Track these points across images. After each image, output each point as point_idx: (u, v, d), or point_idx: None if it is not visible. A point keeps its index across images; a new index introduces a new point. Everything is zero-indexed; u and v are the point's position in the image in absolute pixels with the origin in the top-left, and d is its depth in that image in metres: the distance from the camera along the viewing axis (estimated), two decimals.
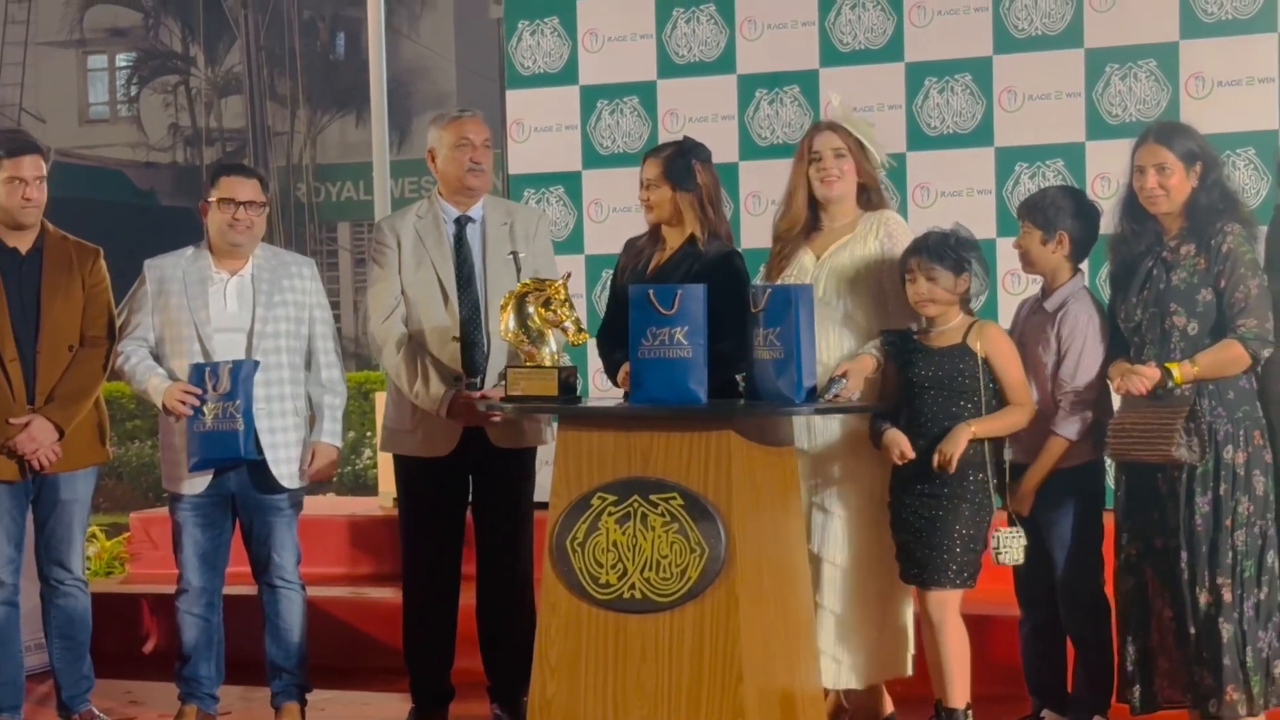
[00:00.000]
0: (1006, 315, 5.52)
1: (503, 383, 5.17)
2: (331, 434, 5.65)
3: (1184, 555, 4.77)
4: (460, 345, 5.50)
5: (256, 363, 5.43)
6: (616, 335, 5.20)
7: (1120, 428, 4.84)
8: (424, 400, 5.43)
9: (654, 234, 5.41)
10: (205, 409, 5.37)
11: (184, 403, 5.38)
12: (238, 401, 5.35)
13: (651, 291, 4.86)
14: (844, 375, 4.92)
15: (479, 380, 5.49)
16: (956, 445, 4.87)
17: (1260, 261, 4.81)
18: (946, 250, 4.94)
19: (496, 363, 5.47)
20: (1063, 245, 5.07)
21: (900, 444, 4.92)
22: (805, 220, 5.26)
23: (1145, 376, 4.77)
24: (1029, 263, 5.15)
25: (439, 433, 5.48)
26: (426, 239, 5.57)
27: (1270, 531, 4.78)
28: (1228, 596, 4.74)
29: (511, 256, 5.51)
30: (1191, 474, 4.77)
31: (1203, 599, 4.75)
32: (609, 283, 5.73)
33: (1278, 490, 4.81)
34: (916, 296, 4.98)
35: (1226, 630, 4.73)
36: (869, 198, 5.28)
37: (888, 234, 5.18)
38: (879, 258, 5.16)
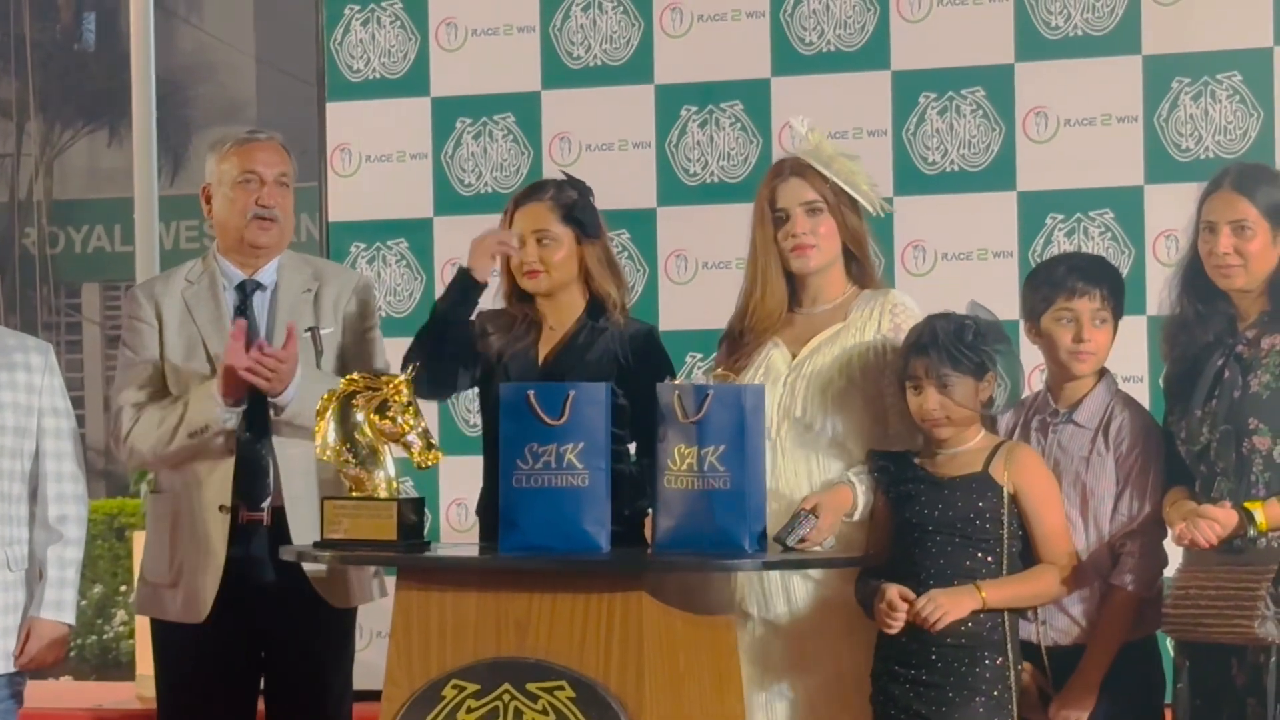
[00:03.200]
0: None
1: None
2: (56, 605, 5.55)
3: None
4: (237, 464, 5.50)
5: None
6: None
7: (1184, 595, 4.84)
8: (199, 405, 5.44)
9: (513, 312, 5.39)
10: None
11: None
12: None
13: (532, 393, 4.88)
14: (813, 511, 4.94)
15: (263, 512, 5.51)
16: (949, 609, 4.87)
17: None
18: (963, 349, 4.94)
19: (294, 489, 5.50)
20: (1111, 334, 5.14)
21: (906, 598, 4.91)
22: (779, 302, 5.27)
23: (1218, 521, 4.76)
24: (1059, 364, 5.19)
25: (209, 588, 5.48)
26: (198, 312, 5.60)
27: None
28: None
29: (310, 334, 5.51)
30: None
31: None
32: None
33: None
34: (924, 414, 4.98)
35: None
36: (858, 268, 5.30)
37: (894, 326, 5.18)
38: (881, 360, 5.16)
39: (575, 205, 5.33)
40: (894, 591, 4.90)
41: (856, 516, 5.06)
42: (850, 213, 5.22)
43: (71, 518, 5.62)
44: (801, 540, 4.90)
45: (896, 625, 4.89)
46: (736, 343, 5.28)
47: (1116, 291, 5.15)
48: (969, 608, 4.89)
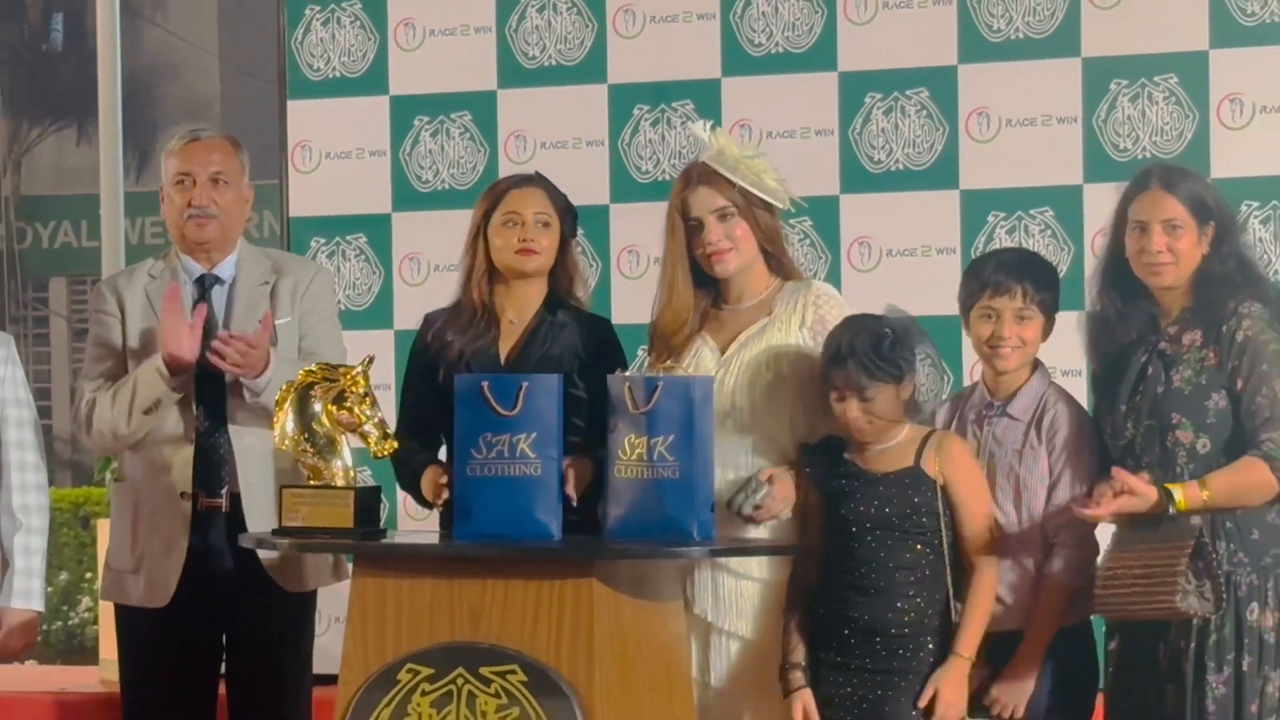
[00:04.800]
0: None
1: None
2: (25, 593, 5.57)
3: None
4: (195, 453, 5.50)
5: None
6: (423, 443, 5.29)
7: (1112, 576, 4.82)
8: (146, 380, 5.42)
9: (469, 304, 5.37)
10: None
11: None
12: None
13: (486, 384, 4.88)
14: (768, 480, 4.95)
15: (222, 498, 5.50)
16: (959, 698, 4.92)
17: None
18: (878, 361, 4.90)
19: (250, 475, 5.50)
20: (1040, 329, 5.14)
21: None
22: (697, 309, 5.25)
23: (1132, 487, 4.75)
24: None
25: (171, 573, 5.47)
26: (159, 307, 5.57)
27: None
28: None
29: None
30: (1203, 643, 4.79)
31: None
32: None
33: None
34: (848, 423, 4.96)
35: None
36: (776, 261, 5.29)
37: (819, 318, 5.17)
38: (809, 351, 5.15)
39: (565, 200, 5.35)
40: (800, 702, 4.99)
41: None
42: (762, 212, 5.20)
43: (34, 506, 5.61)
44: (757, 507, 4.90)
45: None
46: (662, 345, 5.28)
47: (1044, 287, 5.10)
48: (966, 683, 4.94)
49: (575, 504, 4.99)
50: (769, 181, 5.22)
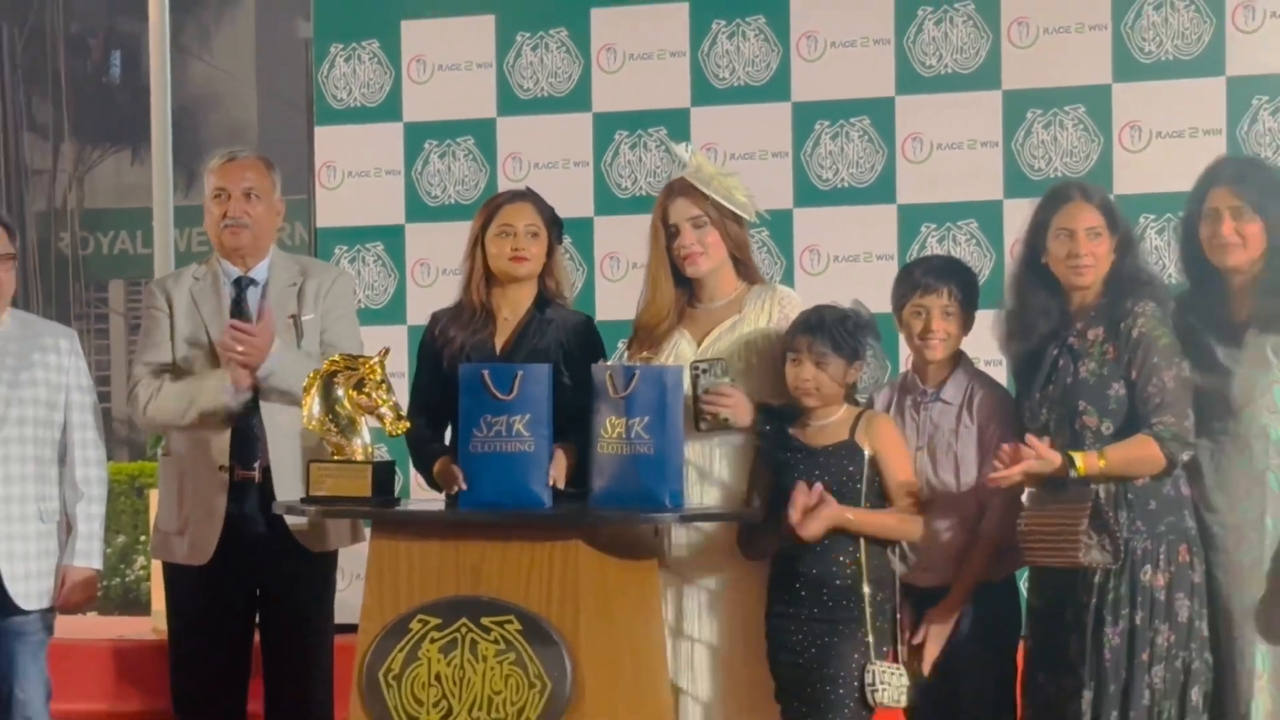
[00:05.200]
0: None
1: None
2: (86, 554, 5.56)
3: (1087, 696, 4.78)
4: (233, 431, 5.49)
5: None
6: (431, 422, 5.28)
7: (1028, 532, 4.83)
8: (210, 389, 5.44)
9: (469, 304, 5.36)
10: None
11: None
12: None
13: (487, 372, 4.88)
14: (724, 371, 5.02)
15: (255, 471, 5.49)
16: (822, 518, 4.88)
17: (1178, 346, 4.82)
18: (843, 334, 4.95)
19: (279, 451, 5.47)
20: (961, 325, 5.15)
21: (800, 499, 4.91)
22: (676, 306, 5.26)
23: (1044, 458, 4.75)
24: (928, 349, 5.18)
25: (211, 535, 5.47)
26: (202, 304, 5.58)
27: (1195, 665, 4.79)
28: None
29: (291, 320, 5.50)
30: (1102, 599, 4.79)
31: None
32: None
33: (1206, 615, 4.83)
34: (799, 382, 4.98)
35: None
36: (744, 268, 5.29)
37: (784, 315, 5.16)
38: (775, 343, 5.15)
39: (552, 213, 5.33)
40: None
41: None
42: (731, 222, 5.21)
43: (94, 479, 5.60)
44: (706, 391, 4.94)
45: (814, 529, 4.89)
46: (645, 336, 5.28)
47: (965, 289, 5.12)
48: (836, 519, 4.88)
49: (561, 488, 4.99)
50: (739, 196, 5.22)
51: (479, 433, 4.88)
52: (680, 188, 5.22)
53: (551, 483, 4.92)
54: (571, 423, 4.98)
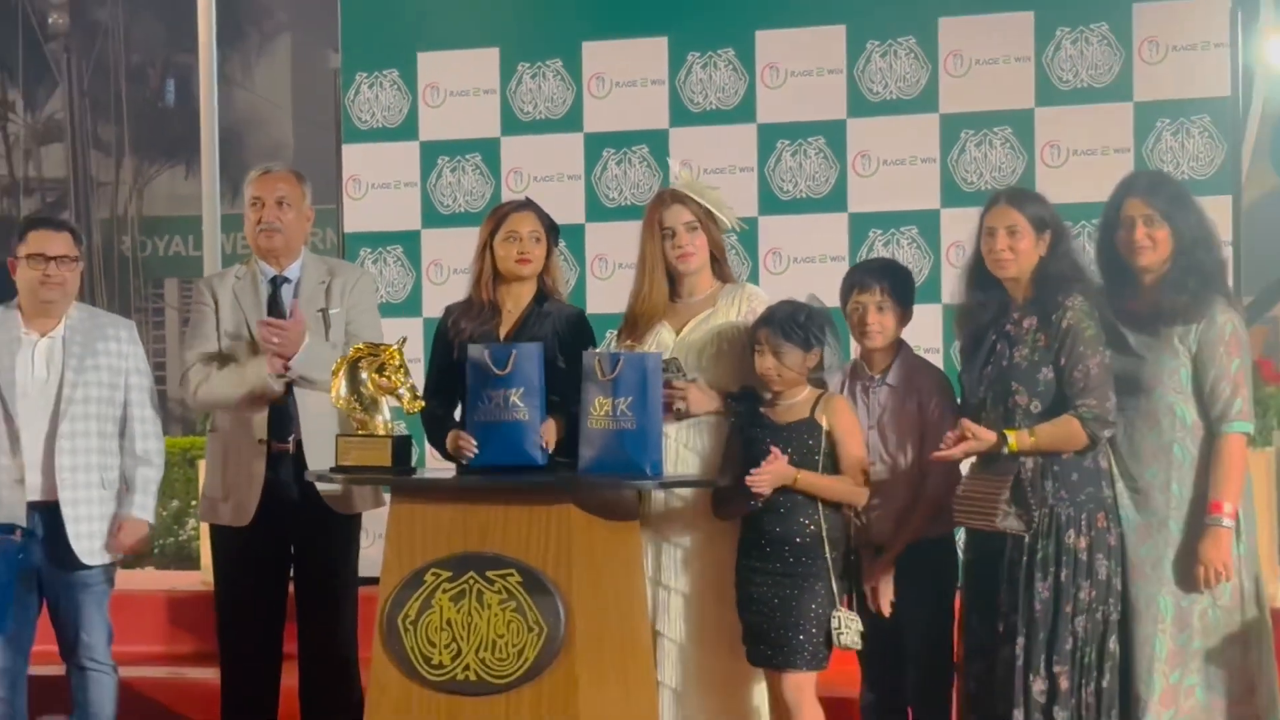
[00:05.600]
0: None
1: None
2: (142, 507, 5.57)
3: (1020, 641, 4.78)
4: (270, 410, 5.48)
5: None
6: (444, 402, 5.28)
7: (961, 496, 4.88)
8: (253, 374, 5.42)
9: (478, 299, 5.35)
10: None
11: None
12: None
13: (487, 352, 4.89)
14: (691, 384, 5.04)
15: (289, 444, 5.47)
16: (767, 470, 4.87)
17: (1102, 336, 4.82)
18: (794, 327, 4.94)
19: (310, 426, 5.45)
20: (897, 318, 5.14)
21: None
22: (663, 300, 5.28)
23: (976, 435, 4.77)
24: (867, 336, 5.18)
25: (251, 499, 5.45)
26: (243, 300, 5.57)
27: (1113, 617, 4.80)
28: (1064, 684, 4.74)
29: (321, 314, 5.48)
30: (1031, 557, 4.79)
31: (1037, 687, 4.75)
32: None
33: (1121, 570, 4.84)
34: (763, 370, 4.99)
35: (1060, 717, 4.74)
36: (720, 268, 5.32)
37: (751, 310, 5.18)
38: (742, 331, 5.17)
39: (550, 220, 5.33)
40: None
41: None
42: (714, 228, 5.27)
43: (152, 449, 5.61)
44: (668, 384, 4.95)
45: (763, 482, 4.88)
46: (633, 325, 5.28)
47: (898, 286, 5.14)
48: (785, 476, 4.88)
49: (549, 452, 5.00)
50: (722, 207, 5.30)
51: (482, 405, 4.93)
52: (674, 196, 5.27)
53: (544, 445, 4.95)
54: (565, 400, 4.99)
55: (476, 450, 4.97)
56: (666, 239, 5.22)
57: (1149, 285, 4.90)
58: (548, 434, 5.00)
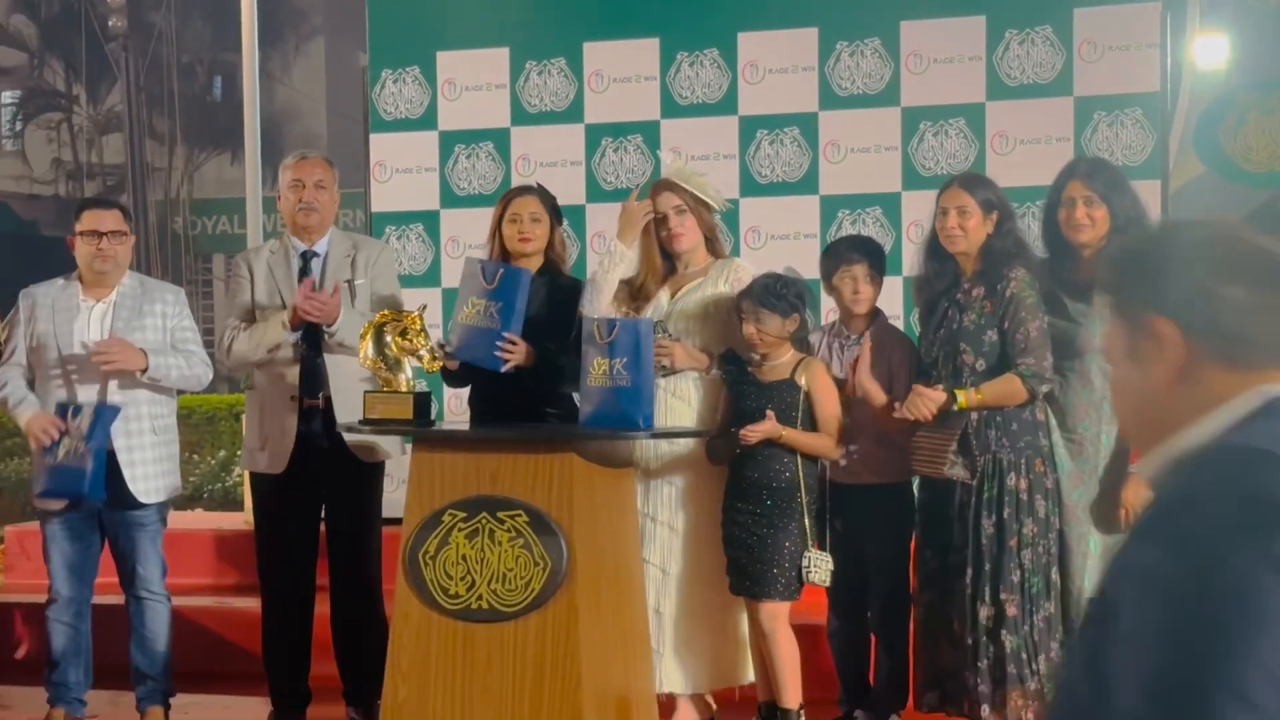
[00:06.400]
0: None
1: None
2: (154, 354, 5.40)
3: (969, 572, 4.80)
4: (301, 369, 5.46)
5: (117, 409, 5.32)
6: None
7: (915, 446, 4.90)
8: (274, 330, 5.39)
9: None
10: (61, 444, 5.27)
11: (44, 433, 5.29)
12: (91, 444, 5.23)
13: (480, 265, 5.15)
14: (674, 341, 5.09)
15: (320, 400, 5.46)
16: (759, 429, 4.90)
17: (1042, 304, 4.83)
18: (771, 297, 4.96)
19: (338, 384, 5.44)
20: (878, 287, 5.16)
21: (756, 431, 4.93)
22: (661, 272, 5.30)
23: (930, 399, 4.79)
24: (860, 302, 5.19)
25: (285, 449, 5.44)
26: (276, 272, 5.55)
27: (1054, 550, 4.82)
28: (1011, 610, 4.76)
29: (347, 285, 5.48)
30: (978, 498, 4.80)
31: (983, 613, 4.77)
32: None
33: (1059, 511, 4.86)
34: (747, 335, 5.02)
35: (1010, 642, 4.75)
36: (713, 246, 5.34)
37: (737, 280, 5.21)
38: (728, 299, 5.20)
39: (551, 201, 5.34)
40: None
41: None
42: (704, 210, 5.29)
43: (197, 361, 5.56)
44: (657, 344, 4.95)
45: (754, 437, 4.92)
46: (635, 292, 5.30)
47: (879, 262, 5.20)
48: (770, 432, 4.91)
49: (513, 371, 5.09)
50: (710, 191, 5.33)
51: (465, 308, 5.05)
52: (664, 185, 5.30)
53: (509, 363, 5.03)
54: (558, 348, 5.02)
55: (450, 350, 5.10)
56: (659, 223, 5.23)
57: (1087, 259, 4.91)
58: (519, 354, 5.05)
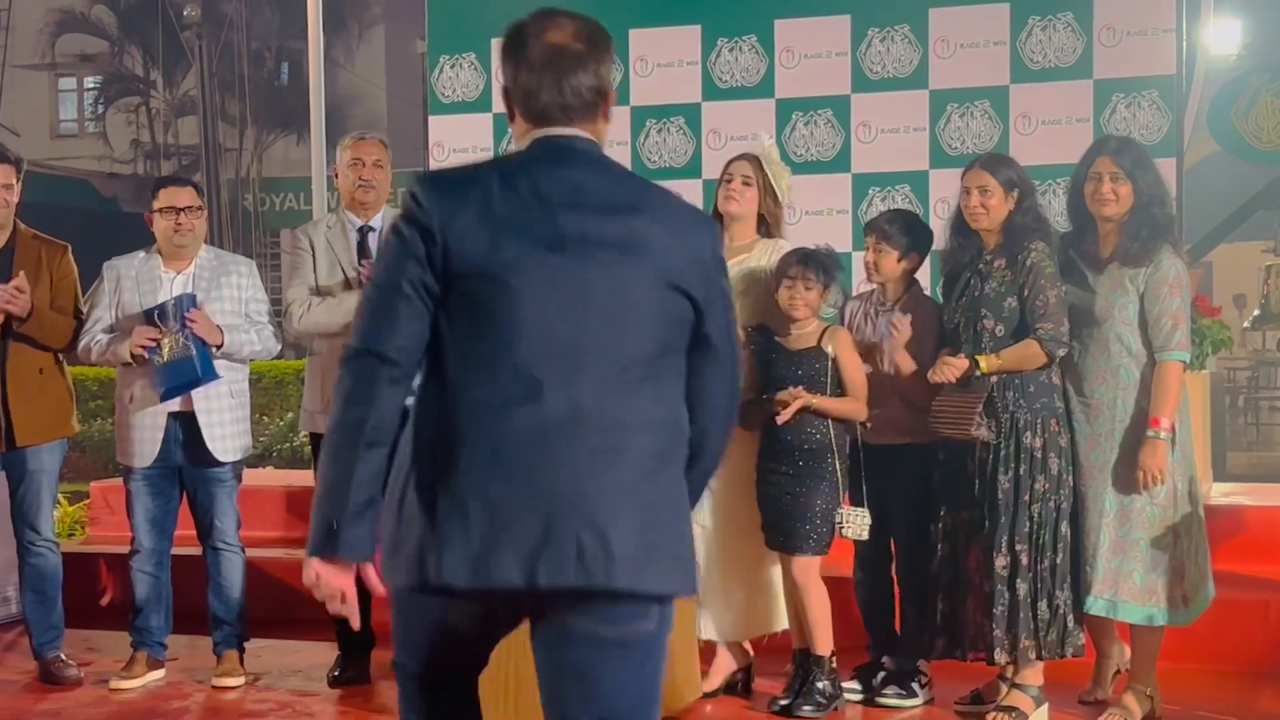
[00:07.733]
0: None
1: None
2: (229, 329, 5.44)
3: (986, 524, 4.82)
4: None
5: (194, 296, 5.37)
6: None
7: (936, 409, 4.90)
8: (351, 308, 5.37)
9: None
10: (164, 344, 5.31)
11: (148, 339, 5.32)
12: (186, 332, 5.29)
13: None
14: None
15: None
16: (794, 398, 4.93)
17: (1059, 275, 4.83)
18: (821, 268, 5.00)
19: None
20: (910, 261, 5.14)
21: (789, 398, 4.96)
22: None
23: (954, 366, 4.80)
24: (878, 273, 5.19)
25: None
26: (335, 245, 5.56)
27: (1064, 505, 4.83)
28: (1024, 560, 4.78)
29: None
30: (996, 455, 4.81)
31: (999, 562, 4.78)
32: None
33: (1072, 470, 4.86)
34: (791, 300, 5.01)
35: (1022, 588, 4.77)
36: (766, 229, 5.32)
37: (781, 259, 5.19)
38: (765, 277, 5.18)
39: None
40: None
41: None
42: (768, 195, 5.28)
43: (268, 334, 5.60)
44: None
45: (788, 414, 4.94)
46: None
47: (915, 236, 5.17)
48: (802, 402, 4.94)
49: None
50: (782, 182, 5.33)
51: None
52: (749, 157, 5.32)
53: None
54: None
55: None
56: (724, 183, 5.23)
57: (1109, 232, 4.89)
58: None
